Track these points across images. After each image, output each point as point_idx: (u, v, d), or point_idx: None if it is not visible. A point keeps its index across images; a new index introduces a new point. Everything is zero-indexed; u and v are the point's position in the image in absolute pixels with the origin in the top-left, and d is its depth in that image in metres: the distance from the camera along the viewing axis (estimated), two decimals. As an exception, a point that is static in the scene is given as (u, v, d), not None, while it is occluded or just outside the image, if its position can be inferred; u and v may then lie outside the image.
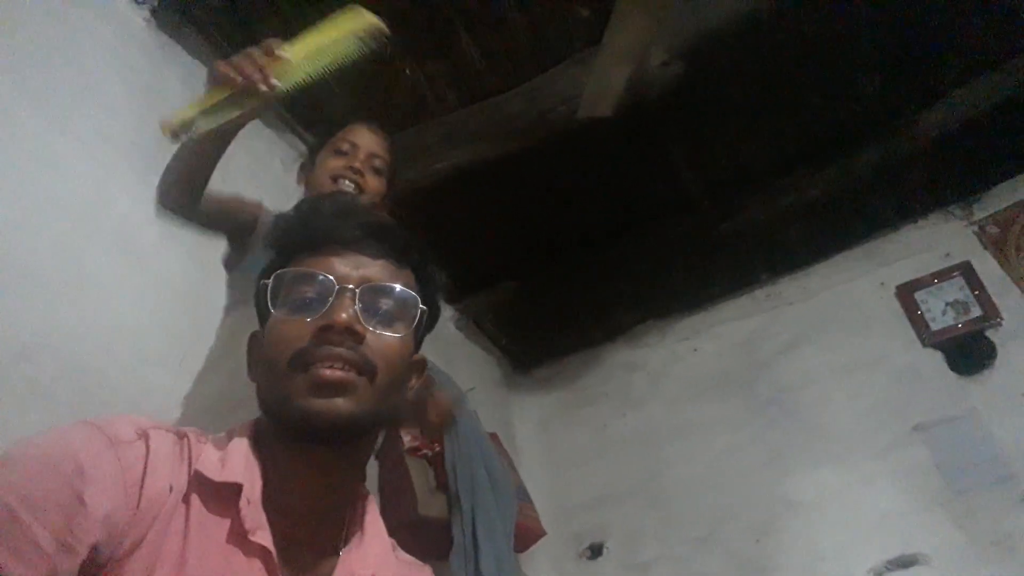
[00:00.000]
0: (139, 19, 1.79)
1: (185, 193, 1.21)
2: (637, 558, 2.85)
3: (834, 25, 2.20)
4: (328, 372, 0.70)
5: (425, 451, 2.02)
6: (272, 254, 0.82)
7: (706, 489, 2.83)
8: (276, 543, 0.68)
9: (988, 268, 2.69)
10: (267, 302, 0.77)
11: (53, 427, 0.65)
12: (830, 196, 2.74)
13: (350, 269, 0.77)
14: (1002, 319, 2.61)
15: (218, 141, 1.14)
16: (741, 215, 2.80)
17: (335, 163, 1.43)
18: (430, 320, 0.85)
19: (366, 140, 1.47)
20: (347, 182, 1.40)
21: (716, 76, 2.29)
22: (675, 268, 3.04)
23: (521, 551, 2.36)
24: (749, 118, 2.48)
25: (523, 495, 2.42)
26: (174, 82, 1.82)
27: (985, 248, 2.73)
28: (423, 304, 0.80)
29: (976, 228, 2.78)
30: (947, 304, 2.72)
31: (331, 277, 0.75)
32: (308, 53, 1.01)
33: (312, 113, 2.16)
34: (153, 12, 1.82)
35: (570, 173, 2.56)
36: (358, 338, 0.73)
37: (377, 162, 1.46)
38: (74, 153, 1.46)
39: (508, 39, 2.09)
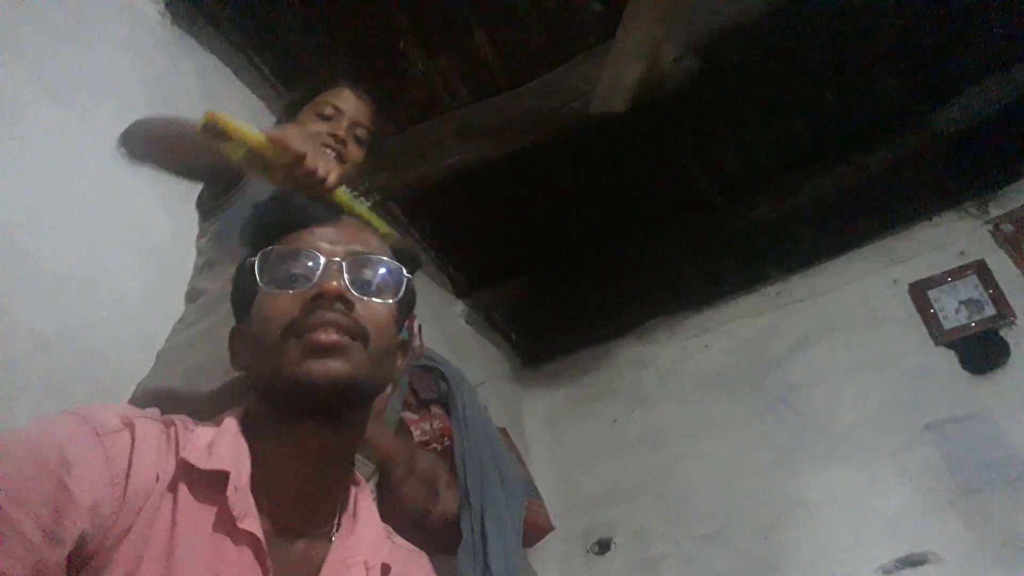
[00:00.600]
0: (154, 13, 1.80)
1: (166, 158, 1.18)
2: (645, 554, 2.85)
3: (848, 22, 2.18)
4: (323, 336, 0.71)
5: (435, 445, 2.03)
6: (250, 244, 0.82)
7: (715, 486, 2.82)
8: (266, 530, 0.68)
9: (1003, 267, 2.67)
10: (255, 280, 0.77)
11: (37, 418, 0.64)
12: (843, 193, 2.72)
13: (333, 244, 0.78)
14: (1016, 318, 2.59)
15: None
16: (753, 212, 2.79)
17: (317, 127, 1.36)
18: (408, 296, 0.84)
19: (351, 106, 1.40)
20: (328, 150, 1.32)
21: (729, 73, 2.28)
22: (686, 265, 3.04)
23: (529, 546, 2.37)
24: (762, 115, 2.47)
25: (532, 490, 2.42)
26: (189, 76, 1.83)
27: (1000, 247, 2.70)
28: (408, 274, 0.82)
29: (991, 226, 2.75)
30: (960, 303, 2.70)
31: (317, 251, 0.77)
32: (343, 202, 1.00)
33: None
34: (168, 6, 1.83)
35: (582, 169, 2.56)
36: (349, 305, 0.74)
37: (360, 131, 1.40)
38: (90, 147, 1.46)
39: (521, 34, 2.09)
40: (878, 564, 2.44)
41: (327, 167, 0.96)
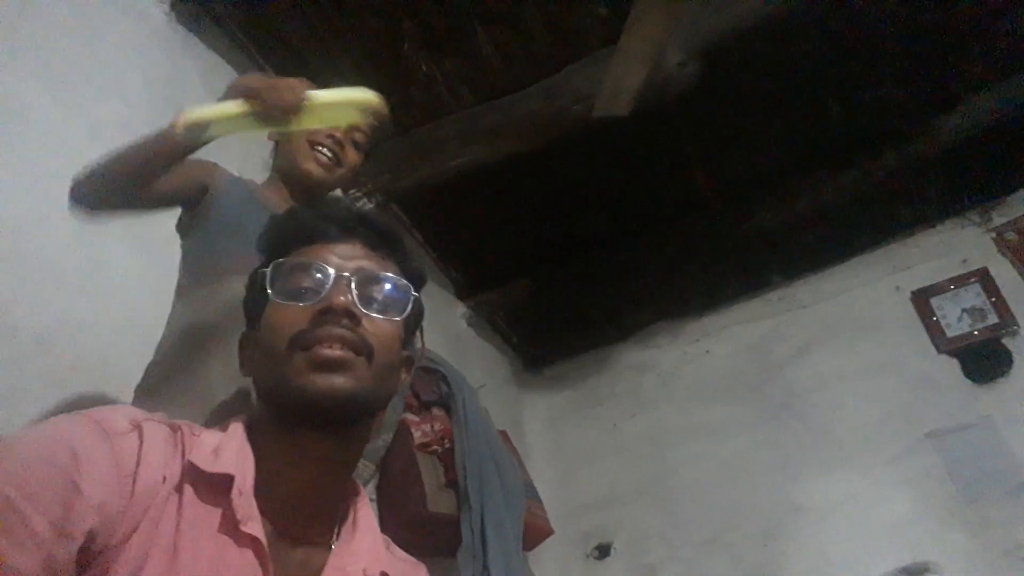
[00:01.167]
0: (159, 12, 1.80)
1: (133, 190, 1.12)
2: (644, 559, 2.84)
3: (853, 28, 2.18)
4: (328, 351, 0.73)
5: (435, 447, 2.03)
6: (265, 254, 0.84)
7: (715, 492, 2.81)
8: (268, 535, 0.69)
9: (1006, 275, 2.67)
10: (265, 289, 0.79)
11: (49, 418, 0.66)
12: (846, 200, 2.72)
13: (344, 259, 0.80)
14: (1019, 327, 2.59)
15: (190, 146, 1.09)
16: (756, 217, 2.79)
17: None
18: (415, 313, 0.87)
19: None
20: (325, 151, 1.31)
21: (733, 77, 2.27)
22: (688, 269, 3.03)
23: (529, 549, 2.36)
24: (765, 120, 2.47)
25: (532, 493, 2.42)
26: (193, 75, 1.83)
27: (1003, 255, 2.70)
28: (416, 293, 0.85)
29: (994, 234, 2.75)
30: (963, 311, 2.69)
31: (328, 266, 0.78)
32: (323, 103, 1.08)
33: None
34: (172, 5, 1.83)
35: (585, 172, 2.56)
36: (355, 320, 0.76)
37: (358, 136, 1.37)
38: (93, 145, 1.45)
39: (525, 37, 2.09)
40: (879, 573, 2.43)
41: (289, 92, 1.02)
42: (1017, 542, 2.30)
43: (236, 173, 1.30)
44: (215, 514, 0.68)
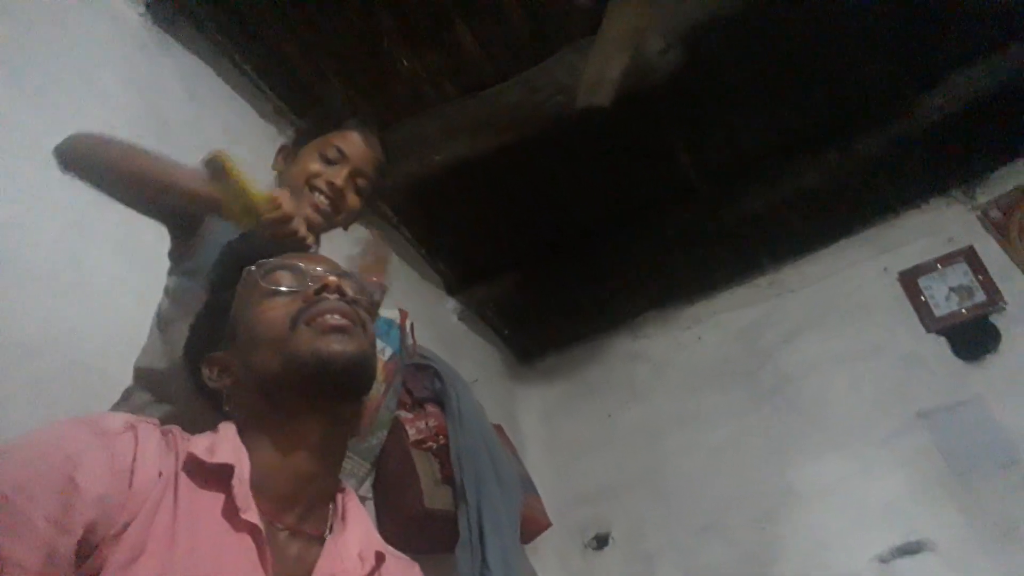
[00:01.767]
0: (134, 14, 1.78)
1: (127, 195, 1.11)
2: (642, 548, 2.85)
3: (832, 8, 2.18)
4: (333, 319, 0.79)
5: (431, 444, 2.03)
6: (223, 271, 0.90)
7: (710, 478, 2.83)
8: (264, 525, 0.70)
9: (991, 253, 2.68)
10: (252, 290, 0.84)
11: (42, 426, 0.68)
12: (831, 182, 2.73)
13: (317, 263, 0.88)
14: (1006, 304, 2.60)
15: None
16: (742, 202, 2.79)
17: (317, 168, 1.29)
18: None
19: (357, 153, 1.32)
20: (322, 198, 1.27)
21: (714, 62, 2.27)
22: (676, 257, 3.04)
23: (527, 542, 2.36)
24: (748, 104, 2.47)
25: (528, 486, 2.42)
26: (170, 76, 1.82)
27: (988, 232, 2.71)
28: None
29: (979, 212, 2.76)
30: (950, 289, 2.71)
31: (303, 267, 0.86)
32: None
33: (309, 104, 2.15)
34: (148, 7, 1.80)
35: (570, 162, 2.55)
36: (348, 298, 0.83)
37: (361, 181, 1.33)
38: (71, 149, 1.44)
39: (505, 28, 2.08)
40: (874, 553, 2.44)
41: (305, 233, 1.03)
42: (1009, 517, 2.31)
43: None
44: (214, 502, 0.70)
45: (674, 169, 2.66)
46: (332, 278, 0.82)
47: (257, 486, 0.73)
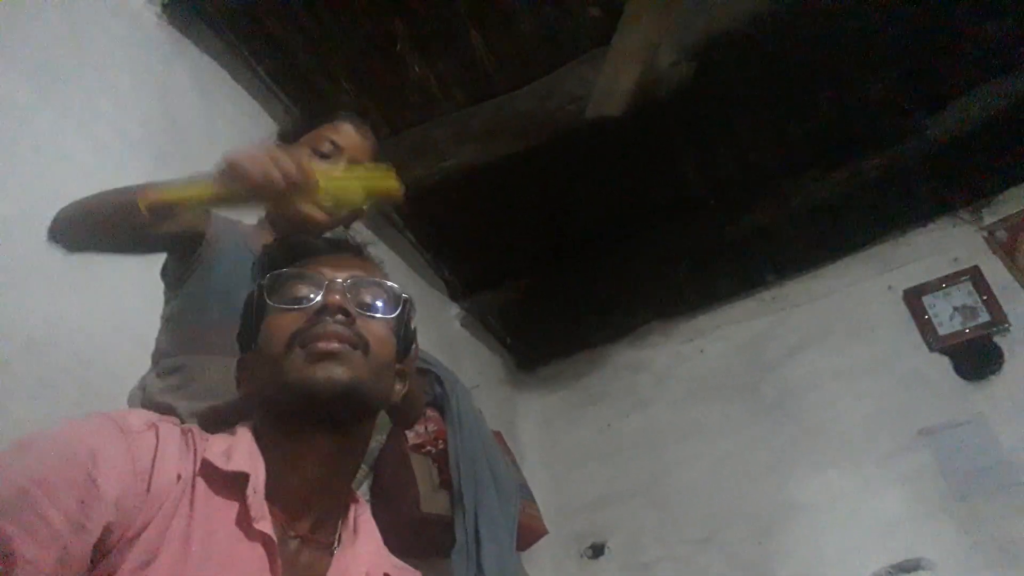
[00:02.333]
0: (150, 15, 1.79)
1: (107, 245, 1.08)
2: (638, 558, 2.85)
3: (844, 27, 2.19)
4: (325, 344, 0.76)
5: (429, 448, 2.03)
6: (260, 276, 0.87)
7: (709, 490, 2.82)
8: (275, 536, 0.71)
9: (997, 273, 2.68)
10: (264, 302, 0.83)
11: (66, 419, 0.67)
12: (838, 199, 2.74)
13: (336, 269, 0.84)
14: (1010, 325, 2.60)
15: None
16: (748, 217, 2.80)
17: (312, 164, 1.18)
18: (406, 330, 0.89)
19: (352, 143, 1.26)
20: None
21: (725, 77, 2.28)
22: (681, 268, 3.04)
23: (523, 549, 2.36)
24: (758, 120, 2.47)
25: (526, 493, 2.42)
26: (184, 77, 1.83)
27: (994, 253, 2.71)
28: (406, 295, 0.88)
29: (985, 233, 2.76)
30: (955, 309, 2.71)
31: (320, 275, 0.83)
32: (334, 185, 1.02)
33: (321, 107, 2.16)
34: (164, 8, 1.82)
35: (578, 172, 2.56)
36: (350, 318, 0.79)
37: None
38: (85, 148, 1.46)
39: (518, 38, 2.09)
40: (872, 570, 2.44)
41: (284, 167, 0.90)
42: (1009, 537, 2.31)
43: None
44: (228, 511, 0.70)
45: (681, 181, 2.67)
46: (335, 298, 0.79)
47: (271, 493, 0.73)
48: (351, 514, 0.84)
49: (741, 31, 2.08)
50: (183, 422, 0.80)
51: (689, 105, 2.30)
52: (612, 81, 2.10)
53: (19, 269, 1.24)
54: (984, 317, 2.65)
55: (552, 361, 3.45)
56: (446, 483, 1.99)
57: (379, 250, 0.97)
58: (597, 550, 2.94)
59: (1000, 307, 2.63)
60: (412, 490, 1.91)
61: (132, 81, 1.65)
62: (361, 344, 0.78)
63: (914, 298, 2.78)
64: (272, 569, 0.69)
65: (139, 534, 0.63)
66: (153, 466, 0.67)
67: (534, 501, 2.47)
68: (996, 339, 2.61)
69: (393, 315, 0.84)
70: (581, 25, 2.08)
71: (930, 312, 2.74)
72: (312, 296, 0.80)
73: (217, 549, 0.67)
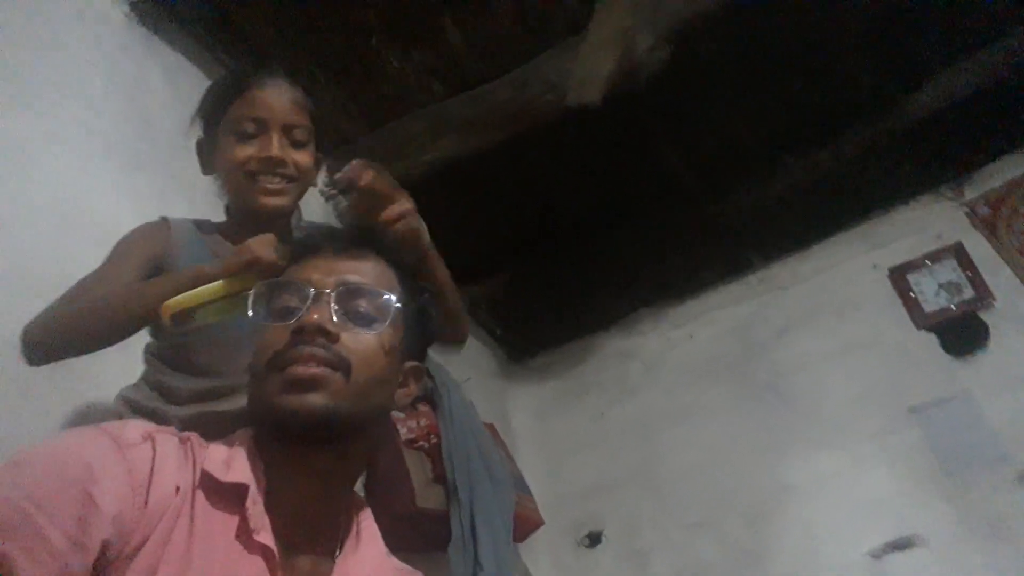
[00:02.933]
0: (118, 13, 1.76)
1: (97, 347, 1.04)
2: (635, 545, 2.85)
3: (819, 6, 2.18)
4: (301, 369, 0.73)
5: (422, 443, 2.02)
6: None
7: (703, 475, 2.83)
8: (276, 546, 0.70)
9: (980, 249, 2.69)
10: (248, 310, 0.81)
11: (62, 432, 0.67)
12: (820, 179, 2.74)
13: (326, 274, 0.81)
14: (995, 299, 2.61)
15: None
16: (732, 200, 2.80)
17: (243, 152, 1.09)
18: (420, 322, 0.87)
19: (273, 108, 1.11)
20: (273, 179, 1.10)
21: (704, 60, 2.27)
22: (667, 255, 3.04)
23: (519, 540, 2.36)
24: (738, 102, 2.47)
25: (521, 485, 2.42)
26: (156, 77, 1.80)
27: (976, 229, 2.73)
28: (400, 303, 0.83)
29: (967, 209, 2.77)
30: (940, 286, 2.72)
31: (308, 284, 0.79)
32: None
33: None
34: (133, 6, 1.79)
35: (559, 161, 2.55)
36: (332, 337, 0.76)
37: (298, 133, 1.13)
38: (56, 150, 1.44)
39: (493, 27, 2.07)
40: (866, 548, 2.46)
41: (269, 257, 0.90)
42: (997, 511, 2.33)
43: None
44: (228, 523, 0.69)
45: (664, 167, 2.66)
46: (313, 318, 0.75)
47: (271, 502, 0.72)
48: (354, 520, 0.83)
49: (716, 12, 2.07)
50: (181, 428, 0.79)
51: (668, 90, 2.29)
52: (590, 68, 2.09)
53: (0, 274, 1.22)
54: (969, 293, 2.66)
55: (542, 352, 3.44)
56: (440, 477, 1.99)
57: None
58: (594, 538, 2.94)
59: (984, 282, 2.64)
60: (406, 485, 1.91)
61: (103, 83, 1.62)
62: (342, 366, 0.75)
63: (899, 276, 2.80)
64: None
65: (138, 549, 0.62)
66: (151, 479, 0.66)
67: (529, 492, 2.47)
68: (981, 314, 2.62)
69: (383, 331, 0.80)
70: (557, 12, 2.06)
71: (915, 290, 2.75)
72: (297, 309, 0.78)
73: (217, 562, 0.66)
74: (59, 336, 1.02)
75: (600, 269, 3.02)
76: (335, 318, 0.77)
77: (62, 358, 1.06)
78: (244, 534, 0.69)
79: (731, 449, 2.82)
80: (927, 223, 2.83)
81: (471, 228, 2.77)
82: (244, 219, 1.14)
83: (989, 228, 2.71)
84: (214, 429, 0.83)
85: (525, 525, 2.34)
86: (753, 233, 2.99)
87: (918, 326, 2.71)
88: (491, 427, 2.46)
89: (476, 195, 2.62)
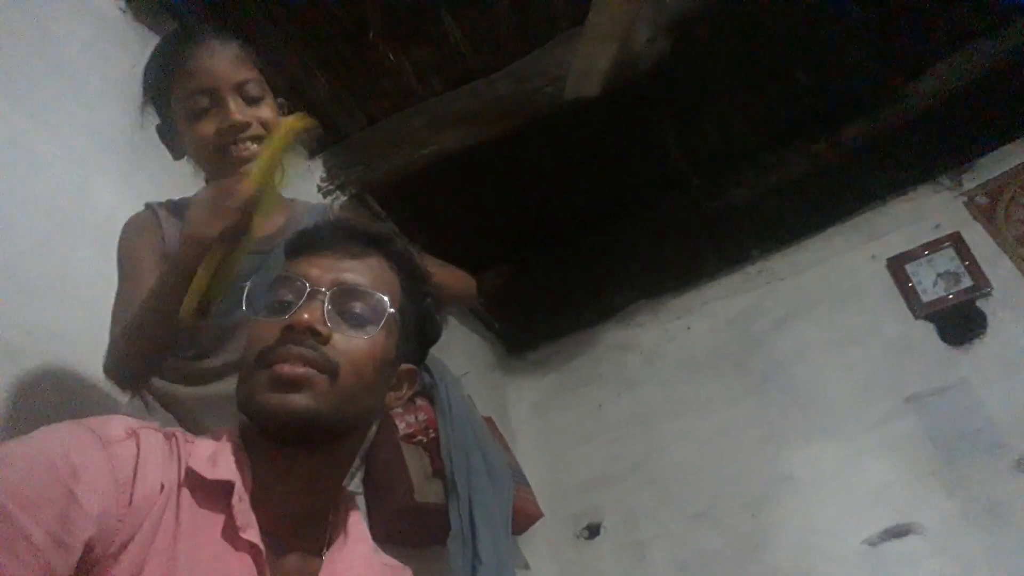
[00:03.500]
0: (114, 10, 1.75)
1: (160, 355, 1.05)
2: (634, 536, 2.87)
3: (819, -2, 2.18)
4: (287, 369, 0.72)
5: (420, 437, 2.03)
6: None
7: (701, 466, 2.84)
8: (263, 544, 0.69)
9: (978, 238, 2.70)
10: (243, 304, 0.81)
11: (43, 427, 0.65)
12: (819, 170, 2.74)
13: (324, 272, 0.79)
14: (992, 289, 2.62)
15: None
16: (731, 191, 2.80)
17: (205, 130, 1.06)
18: (420, 326, 0.86)
19: (219, 72, 1.06)
20: (243, 145, 1.06)
21: (702, 52, 2.27)
22: (666, 246, 3.04)
23: (518, 533, 2.37)
24: (736, 94, 2.47)
25: (519, 478, 2.43)
26: (153, 73, 1.79)
27: (975, 219, 2.73)
28: (399, 307, 0.81)
29: (965, 199, 2.78)
30: (938, 275, 2.73)
31: (304, 280, 0.77)
32: (263, 171, 0.94)
33: (295, 98, 2.13)
34: (129, 2, 1.78)
35: (558, 154, 2.55)
36: (322, 338, 0.74)
37: (250, 88, 1.08)
38: (53, 149, 1.43)
39: (492, 21, 2.06)
40: (864, 537, 2.47)
41: (229, 209, 0.90)
42: (994, 499, 2.34)
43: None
44: (214, 521, 0.68)
45: (663, 159, 2.66)
46: (304, 317, 0.74)
47: (257, 499, 0.72)
48: (342, 517, 0.82)
49: (716, 4, 2.06)
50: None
51: (667, 82, 2.29)
52: (589, 61, 2.08)
53: (-7, 276, 1.22)
54: (967, 282, 2.67)
55: (541, 345, 3.45)
56: (439, 471, 1.99)
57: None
58: (593, 530, 2.96)
59: (982, 272, 2.65)
60: (405, 480, 1.91)
61: (99, 80, 1.61)
62: (329, 368, 0.73)
63: (897, 266, 2.80)
64: None
65: (123, 548, 0.62)
66: (135, 477, 0.65)
67: (528, 485, 2.48)
68: (979, 303, 2.63)
69: (376, 335, 0.78)
70: (555, 5, 2.06)
71: (914, 279, 2.76)
72: (291, 304, 0.76)
73: (204, 561, 0.66)
74: (132, 354, 1.03)
75: (599, 261, 3.02)
76: (327, 318, 0.76)
77: (147, 369, 1.06)
78: (230, 532, 0.68)
79: (730, 440, 2.83)
80: (925, 213, 2.83)
81: (470, 221, 2.78)
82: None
83: (987, 218, 2.71)
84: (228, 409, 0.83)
85: (524, 518, 2.35)
86: (751, 224, 2.99)
87: (916, 316, 2.71)
88: (490, 420, 2.46)
89: (475, 188, 2.62)
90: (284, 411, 0.71)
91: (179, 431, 0.75)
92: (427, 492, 1.93)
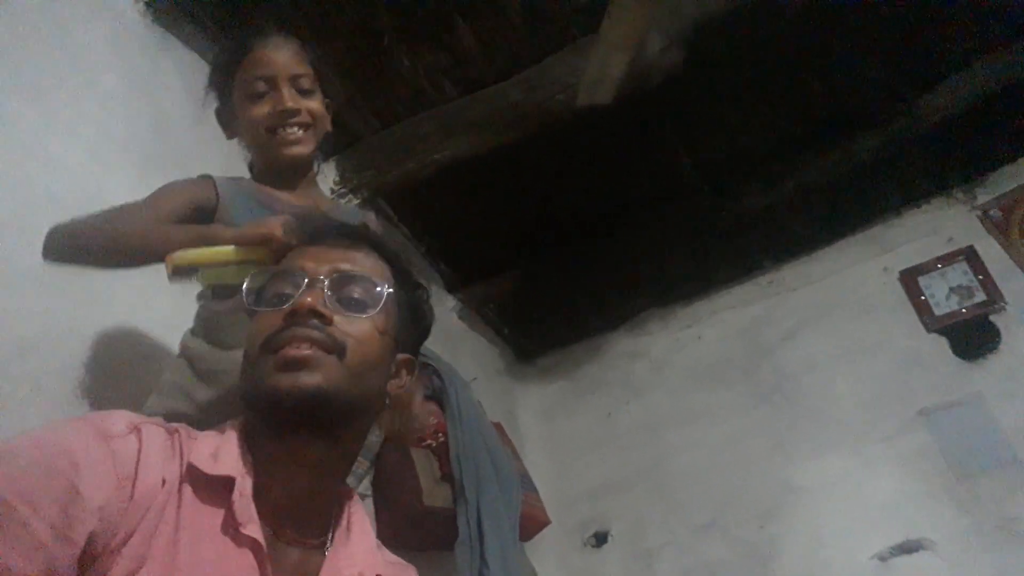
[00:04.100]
0: (133, 11, 1.77)
1: (112, 264, 1.11)
2: (641, 545, 2.85)
3: (833, 9, 2.17)
4: (293, 351, 0.74)
5: (429, 441, 2.03)
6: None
7: (710, 476, 2.83)
8: (265, 539, 0.70)
9: (992, 252, 2.68)
10: (243, 300, 0.82)
11: (46, 422, 0.67)
12: (832, 181, 2.73)
13: (320, 262, 0.82)
14: (1006, 303, 2.60)
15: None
16: (742, 201, 2.79)
17: (259, 111, 1.19)
18: (413, 314, 0.88)
19: (276, 63, 1.20)
20: (291, 130, 1.19)
21: (716, 62, 2.27)
22: (677, 255, 3.03)
23: (526, 540, 2.37)
24: (749, 104, 2.46)
25: (527, 484, 2.42)
26: (171, 75, 1.81)
27: (988, 232, 2.71)
28: (391, 289, 0.84)
29: (979, 212, 2.76)
30: (951, 289, 2.71)
31: (302, 271, 0.81)
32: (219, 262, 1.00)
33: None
34: (148, 4, 1.80)
35: (570, 161, 2.55)
36: (325, 320, 0.77)
37: (303, 82, 1.22)
38: (71, 148, 1.45)
39: (506, 28, 2.07)
40: (873, 551, 2.45)
41: (279, 235, 0.94)
42: (1007, 516, 2.32)
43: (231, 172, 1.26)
44: (215, 516, 0.69)
45: (675, 168, 2.66)
46: (307, 300, 0.76)
47: (259, 494, 0.72)
48: (344, 512, 0.83)
49: (730, 14, 2.06)
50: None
51: (680, 91, 2.29)
52: (601, 69, 2.08)
53: (10, 272, 1.23)
54: (980, 296, 2.65)
55: (550, 351, 3.45)
56: (447, 476, 1.99)
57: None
58: (600, 538, 2.95)
59: (996, 286, 2.63)
60: (414, 484, 1.91)
61: (117, 79, 1.63)
62: (336, 348, 0.75)
63: (910, 279, 2.79)
64: (262, 574, 0.68)
65: (125, 542, 0.62)
66: (136, 472, 0.65)
67: (536, 491, 2.48)
68: (992, 318, 2.61)
69: (376, 315, 0.80)
70: (569, 13, 2.06)
71: (926, 293, 2.74)
72: (290, 295, 0.78)
73: (205, 556, 0.66)
74: (79, 243, 1.08)
75: (609, 269, 3.02)
76: (328, 303, 0.78)
77: (73, 264, 1.10)
78: (231, 527, 0.68)
79: (739, 450, 2.82)
80: (938, 226, 2.82)
81: (480, 227, 2.78)
82: (268, 172, 1.24)
83: (1001, 231, 2.70)
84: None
85: (532, 524, 2.34)
86: (763, 234, 2.98)
87: (928, 329, 2.70)
88: (498, 426, 2.46)
89: (486, 195, 2.62)
90: (295, 390, 0.72)
91: (183, 427, 0.76)
92: (435, 496, 1.93)
